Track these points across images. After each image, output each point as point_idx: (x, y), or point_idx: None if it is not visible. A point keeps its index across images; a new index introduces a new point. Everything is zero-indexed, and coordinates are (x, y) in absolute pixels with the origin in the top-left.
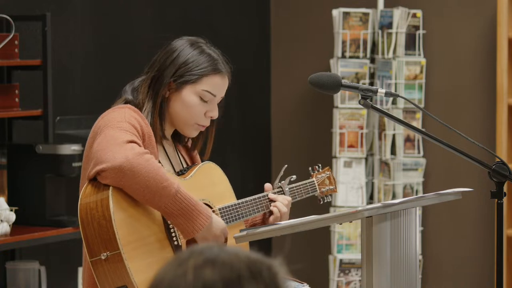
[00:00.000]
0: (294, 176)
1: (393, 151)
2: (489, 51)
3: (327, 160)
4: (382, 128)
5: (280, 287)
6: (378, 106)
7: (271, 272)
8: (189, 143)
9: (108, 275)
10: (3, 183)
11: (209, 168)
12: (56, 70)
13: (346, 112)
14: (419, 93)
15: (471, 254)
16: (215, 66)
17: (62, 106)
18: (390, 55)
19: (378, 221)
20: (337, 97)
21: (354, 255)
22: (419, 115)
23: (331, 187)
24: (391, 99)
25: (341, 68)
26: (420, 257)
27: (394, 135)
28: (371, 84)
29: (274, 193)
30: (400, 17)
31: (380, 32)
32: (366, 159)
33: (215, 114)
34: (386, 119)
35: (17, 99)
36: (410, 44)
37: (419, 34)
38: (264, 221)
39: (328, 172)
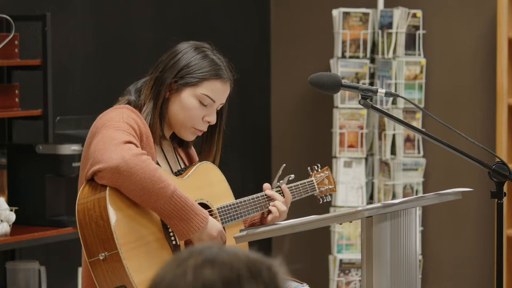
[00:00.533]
0: (293, 176)
1: (393, 151)
2: (489, 51)
3: (327, 160)
4: (382, 128)
5: (280, 287)
6: (378, 106)
7: (271, 272)
8: (192, 151)
9: (107, 275)
10: (3, 183)
11: (207, 168)
12: (56, 70)
13: (346, 112)
14: (419, 93)
15: (471, 254)
16: (216, 72)
17: (62, 106)
18: (390, 55)
19: (378, 221)
20: (337, 97)
21: (354, 255)
22: (419, 115)
23: (330, 186)
24: (391, 99)
25: (341, 68)
26: (420, 257)
27: (394, 135)
28: (371, 84)
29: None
30: (400, 17)
31: (380, 32)
32: (366, 159)
33: (212, 119)
34: (386, 119)
35: (17, 99)
36: (410, 44)
37: (419, 34)
38: (262, 220)
39: (327, 172)
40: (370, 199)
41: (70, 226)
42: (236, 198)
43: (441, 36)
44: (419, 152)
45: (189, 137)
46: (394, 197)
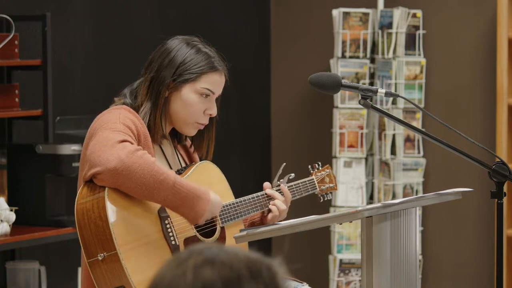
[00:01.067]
0: (293, 174)
1: (393, 151)
2: (489, 51)
3: (327, 160)
4: (382, 128)
5: (280, 287)
6: (378, 106)
7: (271, 271)
8: (188, 142)
9: (106, 276)
10: (3, 183)
11: (207, 168)
12: (56, 70)
13: (346, 112)
14: (419, 93)
15: (471, 254)
16: (212, 64)
17: (62, 106)
18: (390, 55)
19: (378, 221)
20: (337, 97)
21: (354, 255)
22: (419, 115)
23: (331, 185)
24: (391, 99)
25: (341, 68)
26: (420, 257)
27: (394, 135)
28: (371, 84)
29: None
30: (400, 17)
31: (380, 32)
32: (366, 159)
33: (214, 111)
34: (386, 119)
35: (17, 99)
36: (410, 44)
37: (419, 34)
38: (263, 220)
39: (328, 170)
40: (370, 199)
41: (70, 226)
42: (236, 198)
43: (441, 36)
44: (419, 152)
45: (192, 132)
46: (394, 197)
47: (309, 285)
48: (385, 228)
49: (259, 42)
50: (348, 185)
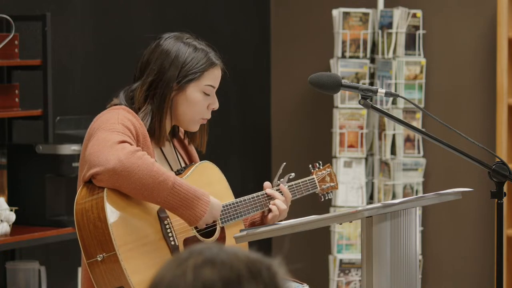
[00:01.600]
0: (293, 174)
1: (393, 151)
2: (489, 51)
3: (327, 160)
4: (382, 128)
5: (280, 287)
6: (378, 106)
7: (271, 272)
8: (182, 135)
9: (105, 276)
10: (3, 183)
11: (206, 168)
12: (56, 70)
13: (346, 112)
14: (419, 93)
15: (471, 254)
16: (211, 60)
17: (62, 106)
18: (390, 55)
19: (378, 221)
20: (337, 97)
21: (354, 255)
22: (419, 115)
23: (331, 184)
24: (391, 99)
25: (341, 68)
26: (420, 257)
27: (394, 135)
28: (371, 84)
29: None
30: (400, 17)
31: (380, 32)
32: (366, 159)
33: (216, 105)
34: (386, 119)
35: (17, 99)
36: (410, 44)
37: (419, 34)
38: (263, 219)
39: (329, 169)
40: (370, 199)
41: (70, 226)
42: (236, 198)
43: (441, 36)
44: (419, 152)
45: (196, 127)
46: (394, 197)
47: (309, 286)
48: (385, 228)
49: (259, 42)
50: (348, 185)
